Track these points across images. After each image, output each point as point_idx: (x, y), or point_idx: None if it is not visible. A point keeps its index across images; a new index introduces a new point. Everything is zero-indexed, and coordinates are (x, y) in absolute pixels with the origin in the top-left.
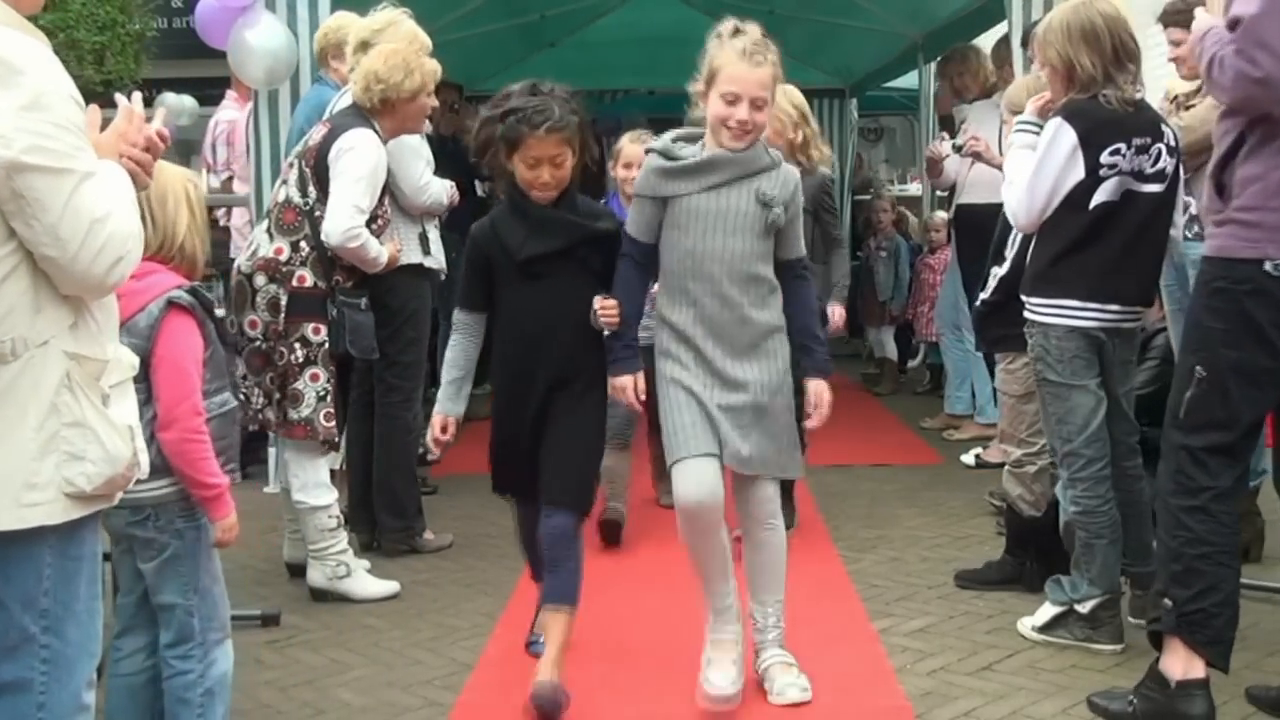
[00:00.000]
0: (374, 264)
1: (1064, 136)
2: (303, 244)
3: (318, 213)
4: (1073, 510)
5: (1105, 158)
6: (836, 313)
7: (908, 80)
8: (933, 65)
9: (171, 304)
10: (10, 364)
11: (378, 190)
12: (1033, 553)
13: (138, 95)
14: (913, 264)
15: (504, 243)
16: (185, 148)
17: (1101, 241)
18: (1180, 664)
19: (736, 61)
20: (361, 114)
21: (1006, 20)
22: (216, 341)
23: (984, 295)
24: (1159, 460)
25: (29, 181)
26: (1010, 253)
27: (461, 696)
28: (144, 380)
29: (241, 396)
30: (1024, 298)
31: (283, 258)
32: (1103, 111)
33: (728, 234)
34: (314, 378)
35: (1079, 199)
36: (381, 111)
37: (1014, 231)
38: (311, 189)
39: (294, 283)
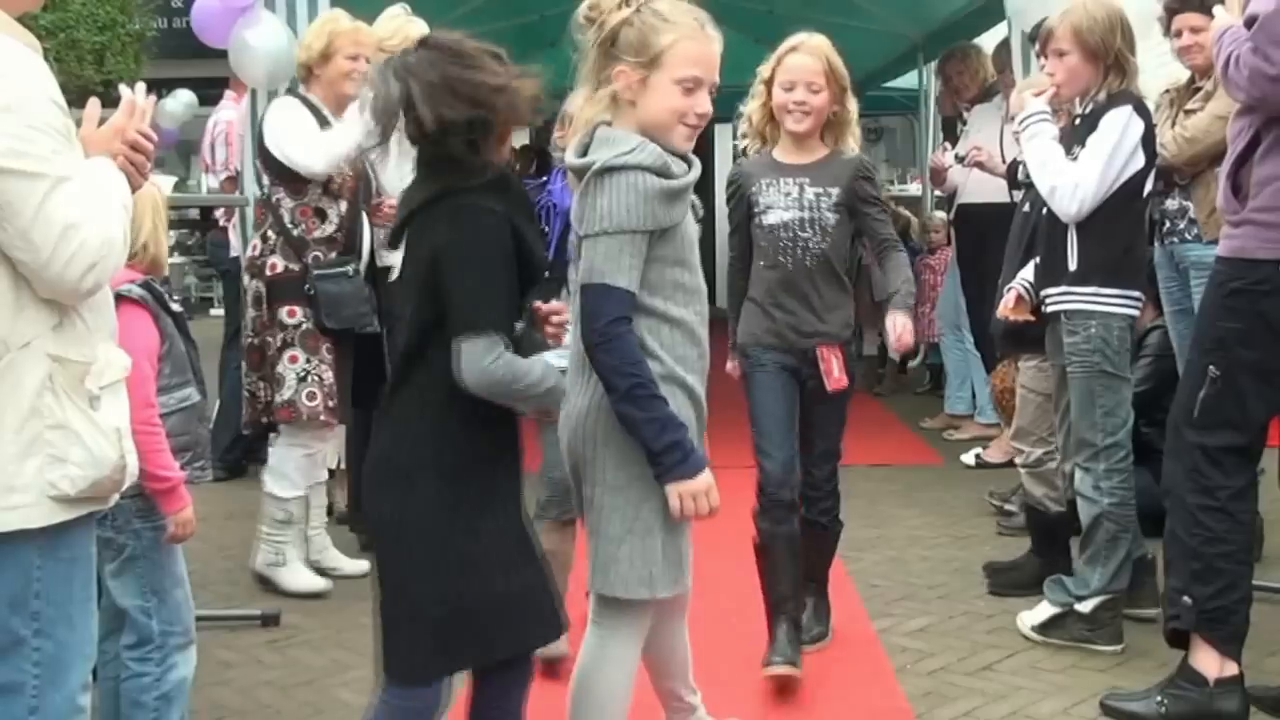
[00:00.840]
0: (349, 149)
1: (1136, 127)
2: (269, 233)
3: (274, 198)
4: (1108, 503)
5: (1158, 148)
6: (899, 323)
7: (908, 80)
8: (933, 65)
9: (121, 297)
10: None
11: (312, 129)
12: (1061, 548)
13: (140, 86)
14: (913, 264)
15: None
16: (186, 147)
17: (1144, 231)
18: (1215, 662)
19: (696, 35)
20: (292, 92)
21: (1006, 21)
22: (176, 336)
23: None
24: (1152, 458)
25: (1, 185)
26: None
27: (461, 696)
28: None
29: (247, 394)
30: (1082, 288)
31: (256, 252)
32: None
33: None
34: (292, 359)
35: (1138, 188)
36: (310, 81)
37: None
38: (265, 177)
39: (268, 273)
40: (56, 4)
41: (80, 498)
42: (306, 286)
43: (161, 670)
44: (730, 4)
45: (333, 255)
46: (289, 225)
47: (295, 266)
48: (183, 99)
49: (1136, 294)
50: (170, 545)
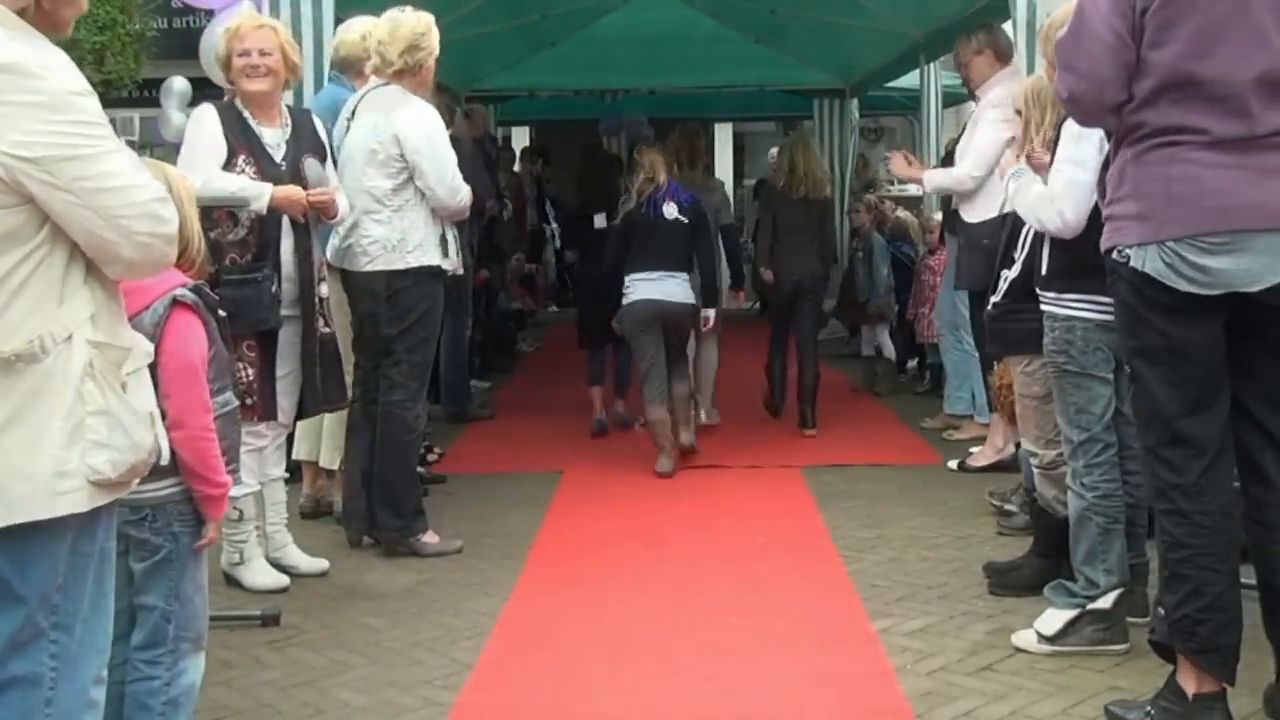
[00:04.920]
0: (238, 200)
1: (1094, 130)
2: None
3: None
4: (1091, 496)
5: None
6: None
7: (908, 80)
8: (933, 65)
9: (177, 301)
10: (42, 361)
11: (211, 146)
12: (1064, 551)
13: None
14: (913, 265)
15: None
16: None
17: None
18: (1194, 676)
19: None
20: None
21: (1011, 20)
22: (220, 341)
23: (995, 299)
24: None
25: (66, 171)
26: (1020, 255)
27: (461, 696)
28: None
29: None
30: (1048, 292)
31: None
32: None
33: None
34: None
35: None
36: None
37: (1023, 233)
38: None
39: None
40: None
41: (118, 481)
42: (217, 291)
43: (172, 675)
44: (730, 4)
45: (248, 258)
46: (205, 228)
47: (211, 269)
48: (176, 87)
49: (1107, 300)
50: (199, 550)
